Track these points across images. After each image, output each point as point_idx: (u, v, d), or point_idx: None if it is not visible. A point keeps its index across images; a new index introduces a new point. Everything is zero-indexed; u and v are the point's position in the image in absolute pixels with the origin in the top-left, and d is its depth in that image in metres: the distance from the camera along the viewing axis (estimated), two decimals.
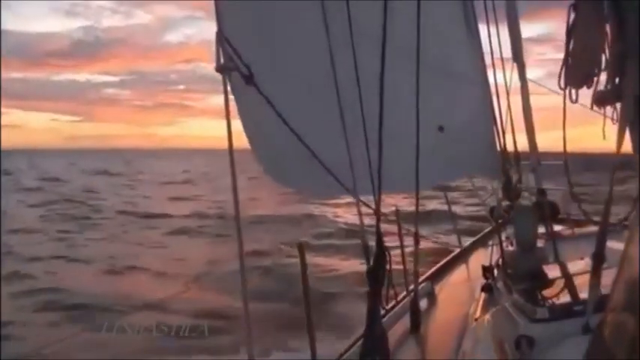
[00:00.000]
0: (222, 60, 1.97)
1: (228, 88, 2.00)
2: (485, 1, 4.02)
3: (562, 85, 1.93)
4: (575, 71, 1.87)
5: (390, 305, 3.85)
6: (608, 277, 2.04)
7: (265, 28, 2.71)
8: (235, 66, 2.00)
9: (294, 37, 2.84)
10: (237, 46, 1.98)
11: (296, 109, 2.41)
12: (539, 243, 3.62)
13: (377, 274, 2.16)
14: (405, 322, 3.69)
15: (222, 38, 1.94)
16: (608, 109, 1.92)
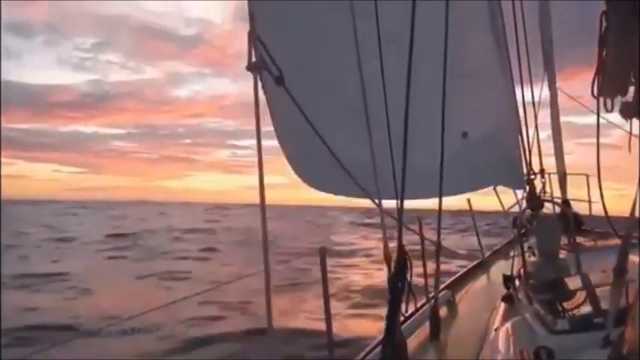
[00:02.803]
0: (253, 59, 1.98)
1: (259, 87, 2.03)
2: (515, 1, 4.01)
3: (595, 94, 1.88)
4: (609, 80, 1.83)
5: (410, 312, 3.86)
6: (630, 290, 2.04)
7: (293, 30, 2.76)
8: (266, 65, 2.02)
9: (321, 40, 2.88)
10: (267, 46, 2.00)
11: (323, 112, 2.45)
12: (562, 254, 3.60)
13: (397, 281, 2.18)
14: (425, 329, 3.70)
15: (254, 37, 1.96)
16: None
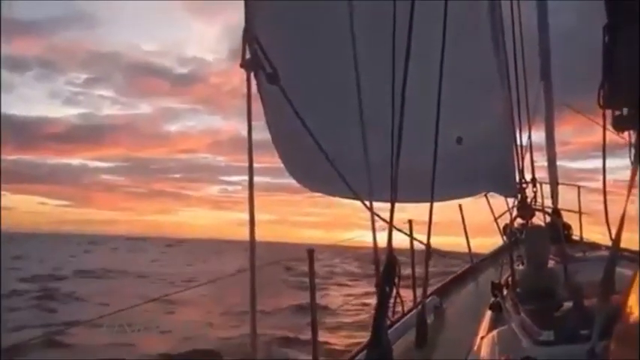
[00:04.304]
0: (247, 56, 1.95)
1: (253, 85, 2.00)
2: (513, 2, 4.01)
3: (601, 105, 1.83)
4: (618, 89, 1.79)
5: (397, 317, 3.84)
6: (616, 302, 2.02)
7: (288, 28, 2.75)
8: (260, 63, 1.99)
9: (317, 39, 2.87)
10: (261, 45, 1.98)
11: (317, 111, 2.44)
12: (551, 263, 3.60)
13: (386, 285, 2.15)
14: (411, 335, 3.68)
15: (251, 35, 1.93)
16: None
